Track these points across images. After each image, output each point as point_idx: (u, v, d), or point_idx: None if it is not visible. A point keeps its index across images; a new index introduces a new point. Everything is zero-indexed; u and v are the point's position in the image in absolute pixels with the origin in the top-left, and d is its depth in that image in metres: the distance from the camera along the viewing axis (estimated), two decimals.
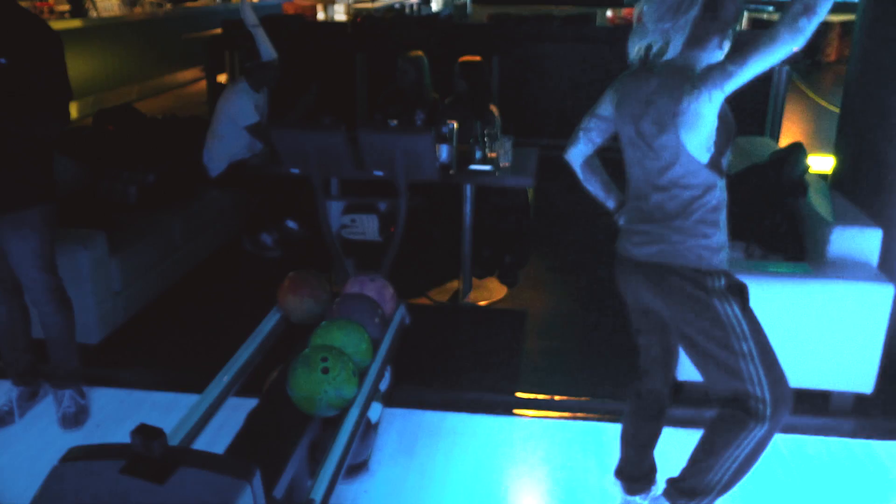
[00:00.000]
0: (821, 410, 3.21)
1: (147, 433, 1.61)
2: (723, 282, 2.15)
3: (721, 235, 2.18)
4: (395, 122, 4.07)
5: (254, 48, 4.49)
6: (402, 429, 3.08)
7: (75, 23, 9.06)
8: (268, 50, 4.50)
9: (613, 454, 2.74)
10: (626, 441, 2.64)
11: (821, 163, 4.37)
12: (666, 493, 2.44)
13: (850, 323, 3.02)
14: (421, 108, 4.50)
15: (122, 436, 1.98)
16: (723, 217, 2.19)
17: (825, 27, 12.94)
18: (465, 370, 3.53)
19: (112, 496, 1.59)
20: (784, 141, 5.84)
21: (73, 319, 3.08)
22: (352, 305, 2.71)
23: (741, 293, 2.19)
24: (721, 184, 2.15)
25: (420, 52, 4.85)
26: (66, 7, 9.87)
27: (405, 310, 2.98)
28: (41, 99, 2.67)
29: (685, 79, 2.04)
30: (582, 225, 5.21)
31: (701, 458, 2.30)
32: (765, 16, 13.13)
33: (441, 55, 5.28)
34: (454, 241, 4.21)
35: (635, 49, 2.16)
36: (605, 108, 2.34)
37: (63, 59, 2.73)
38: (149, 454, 1.61)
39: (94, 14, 10.00)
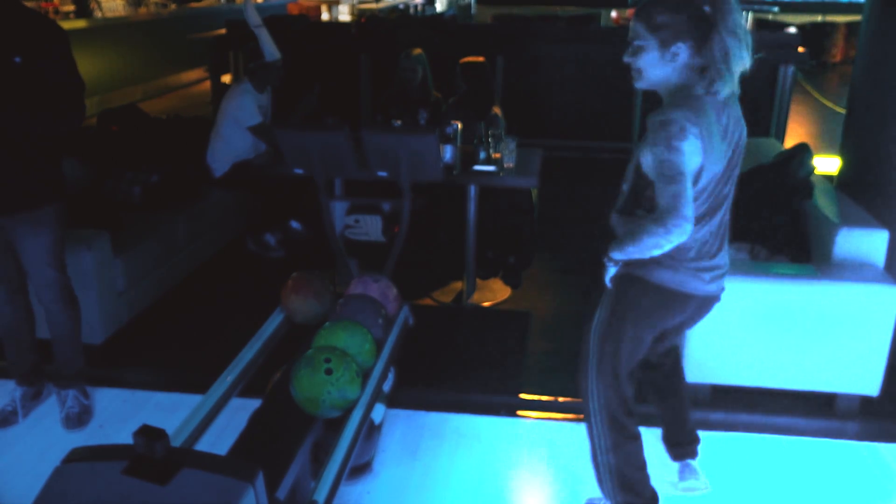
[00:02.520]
0: (826, 413, 3.20)
1: (150, 434, 1.61)
2: None
3: None
4: (398, 122, 4.07)
5: (257, 48, 4.49)
6: (405, 430, 3.08)
7: (80, 23, 9.10)
8: (271, 50, 4.50)
9: None
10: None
11: (826, 164, 4.36)
12: (693, 454, 2.65)
13: (856, 325, 3.00)
14: (424, 108, 4.50)
15: (125, 436, 1.97)
16: None
17: (831, 28, 12.90)
18: (469, 371, 3.52)
19: (114, 497, 1.59)
20: (789, 142, 5.82)
21: (80, 318, 3.10)
22: (355, 306, 2.71)
23: None
24: None
25: (419, 50, 4.84)
26: (70, 7, 9.91)
27: (409, 311, 2.98)
28: (57, 94, 2.70)
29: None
30: (586, 226, 5.19)
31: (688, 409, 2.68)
32: (770, 17, 13.09)
33: (445, 56, 5.27)
34: (458, 241, 4.20)
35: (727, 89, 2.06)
36: (693, 162, 2.04)
37: (71, 53, 2.77)
38: (151, 455, 1.61)
39: (98, 14, 10.04)
